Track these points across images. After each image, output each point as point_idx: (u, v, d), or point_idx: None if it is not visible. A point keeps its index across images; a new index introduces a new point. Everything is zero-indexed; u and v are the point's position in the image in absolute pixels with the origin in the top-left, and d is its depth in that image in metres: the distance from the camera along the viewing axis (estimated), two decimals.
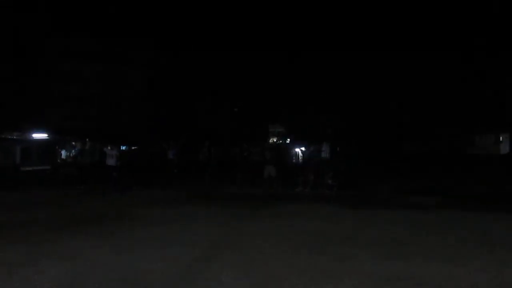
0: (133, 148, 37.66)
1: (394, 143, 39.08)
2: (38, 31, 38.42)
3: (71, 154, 23.64)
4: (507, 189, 14.32)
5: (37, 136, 26.83)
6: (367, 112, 42.71)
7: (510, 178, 18.09)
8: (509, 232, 7.29)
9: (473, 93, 37.87)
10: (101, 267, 4.97)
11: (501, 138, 36.09)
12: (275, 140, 61.64)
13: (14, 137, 26.25)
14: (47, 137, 27.48)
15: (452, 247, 6.07)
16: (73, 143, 26.90)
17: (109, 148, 16.06)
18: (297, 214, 9.23)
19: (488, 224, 7.94)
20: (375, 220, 8.38)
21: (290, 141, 55.65)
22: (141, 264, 5.08)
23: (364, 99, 42.83)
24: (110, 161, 15.70)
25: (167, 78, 46.49)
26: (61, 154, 22.19)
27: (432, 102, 40.11)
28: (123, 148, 34.54)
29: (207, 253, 5.67)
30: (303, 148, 43.33)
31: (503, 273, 4.78)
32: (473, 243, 6.28)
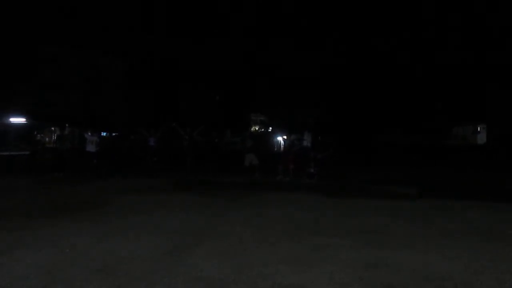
0: (113, 134, 37.27)
1: (375, 134, 39.56)
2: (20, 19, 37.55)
3: (51, 140, 23.24)
4: (484, 178, 14.69)
5: (15, 120, 26.24)
6: (348, 104, 43.06)
7: (488, 167, 18.57)
8: (486, 220, 7.48)
9: (452, 85, 38.51)
10: (80, 255, 4.93)
11: (478, 129, 36.89)
12: (257, 129, 61.65)
13: None
14: (25, 122, 26.91)
15: (431, 235, 6.21)
16: (52, 128, 26.36)
17: (89, 134, 15.86)
18: (277, 202, 9.29)
19: (466, 213, 8.13)
20: (355, 209, 8.49)
21: (272, 129, 55.77)
22: (121, 252, 5.06)
23: (345, 91, 43.18)
24: (90, 147, 15.52)
25: (148, 65, 46.00)
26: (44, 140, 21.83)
27: (412, 93, 40.70)
28: (104, 134, 34.17)
29: (187, 240, 5.68)
30: (284, 137, 43.52)
31: (477, 260, 4.92)
32: (451, 231, 6.43)
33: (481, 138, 36.36)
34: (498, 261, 4.90)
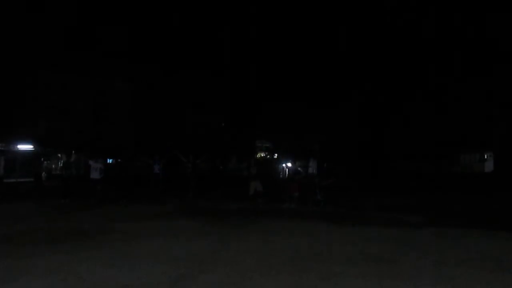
0: (118, 161, 37.41)
1: (381, 160, 39.42)
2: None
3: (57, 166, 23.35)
4: (491, 207, 14.52)
5: (22, 147, 26.44)
6: (353, 131, 43.10)
7: (495, 195, 18.37)
8: (493, 249, 7.36)
9: (459, 113, 38.48)
10: (84, 282, 4.88)
11: (485, 156, 36.75)
12: (262, 155, 61.62)
13: None
14: (32, 149, 27.11)
15: (439, 265, 6.10)
16: (59, 155, 26.52)
17: (93, 161, 15.90)
18: (283, 230, 9.20)
19: (474, 242, 8.01)
20: (362, 237, 8.39)
21: (277, 156, 55.78)
22: (126, 280, 5.00)
23: (349, 118, 43.29)
24: (94, 174, 15.53)
25: (153, 92, 46.51)
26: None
27: (419, 121, 40.71)
28: (110, 161, 34.31)
29: (192, 268, 5.61)
30: (289, 164, 43.53)
31: None
32: (460, 261, 6.32)
33: (488, 166, 36.17)
34: None
